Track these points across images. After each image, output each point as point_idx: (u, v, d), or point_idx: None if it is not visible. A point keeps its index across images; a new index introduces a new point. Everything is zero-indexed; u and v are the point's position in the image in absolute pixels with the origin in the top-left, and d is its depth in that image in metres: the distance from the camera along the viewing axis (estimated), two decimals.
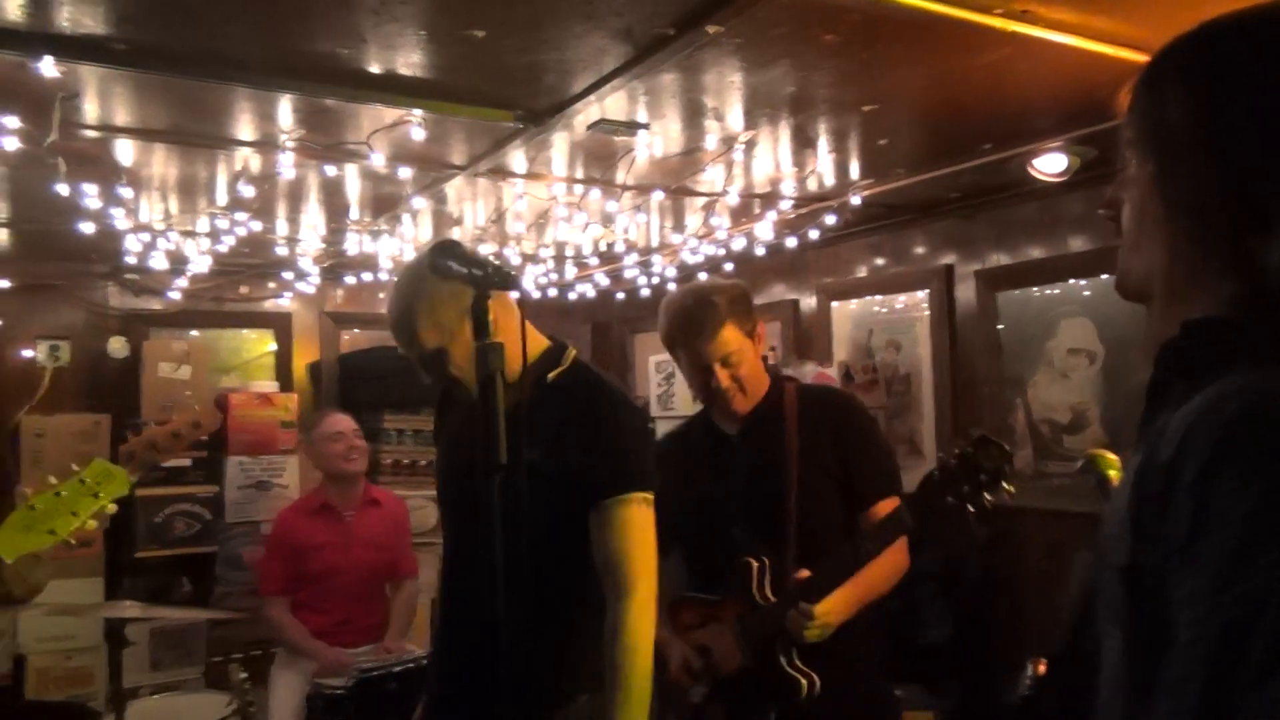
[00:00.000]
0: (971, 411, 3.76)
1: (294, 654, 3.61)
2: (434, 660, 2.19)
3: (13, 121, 2.35)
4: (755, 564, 2.12)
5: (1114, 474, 1.35)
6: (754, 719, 2.11)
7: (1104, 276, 3.27)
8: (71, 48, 2.02)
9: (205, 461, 4.55)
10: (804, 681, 2.03)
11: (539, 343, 1.93)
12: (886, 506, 2.13)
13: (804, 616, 1.96)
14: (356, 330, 5.39)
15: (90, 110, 2.43)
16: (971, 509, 1.80)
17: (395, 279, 1.96)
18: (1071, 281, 3.41)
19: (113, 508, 1.91)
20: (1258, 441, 0.64)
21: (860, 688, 2.15)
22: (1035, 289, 3.56)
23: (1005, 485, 1.80)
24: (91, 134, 2.56)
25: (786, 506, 2.13)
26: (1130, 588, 0.69)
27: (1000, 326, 3.68)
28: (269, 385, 4.89)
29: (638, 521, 1.77)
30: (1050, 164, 2.93)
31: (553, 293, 5.43)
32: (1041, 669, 0.86)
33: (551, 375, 1.87)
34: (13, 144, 2.43)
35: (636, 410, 2.01)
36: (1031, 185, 3.14)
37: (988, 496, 1.81)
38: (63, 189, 2.77)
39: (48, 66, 2.02)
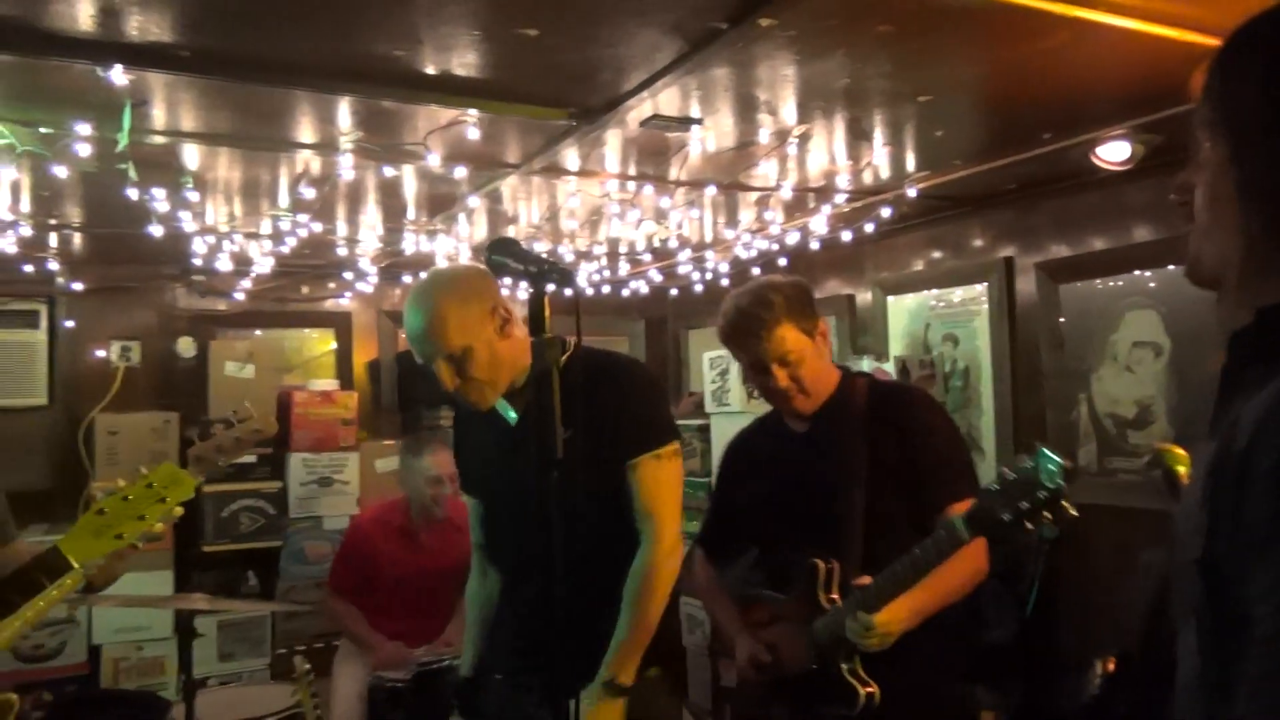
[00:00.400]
0: (1033, 407, 3.69)
1: (354, 646, 3.67)
2: (490, 646, 2.24)
3: (85, 129, 2.43)
4: (822, 566, 2.08)
5: (1182, 470, 1.31)
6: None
7: (1170, 267, 3.18)
8: (140, 56, 2.08)
9: (269, 458, 4.66)
10: (862, 691, 1.98)
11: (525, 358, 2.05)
12: (960, 509, 2.09)
13: (862, 626, 1.92)
14: None
15: (158, 116, 2.50)
16: (1030, 525, 1.74)
17: (416, 288, 2.06)
18: (1136, 273, 3.33)
19: (179, 511, 1.95)
20: None
21: (928, 695, 2.08)
22: (1099, 281, 3.47)
23: (1065, 506, 1.71)
24: (159, 139, 2.64)
25: (852, 507, 2.10)
26: (1207, 581, 0.68)
27: (1062, 320, 3.60)
28: (330, 383, 4.99)
29: (666, 473, 1.94)
30: (1114, 152, 2.86)
31: (606, 289, 5.46)
32: (1110, 667, 0.84)
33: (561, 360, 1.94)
34: (85, 150, 2.51)
35: (643, 368, 2.11)
36: (1094, 174, 3.07)
37: (1046, 515, 1.73)
38: (133, 194, 2.86)
39: (117, 75, 2.09)
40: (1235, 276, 0.80)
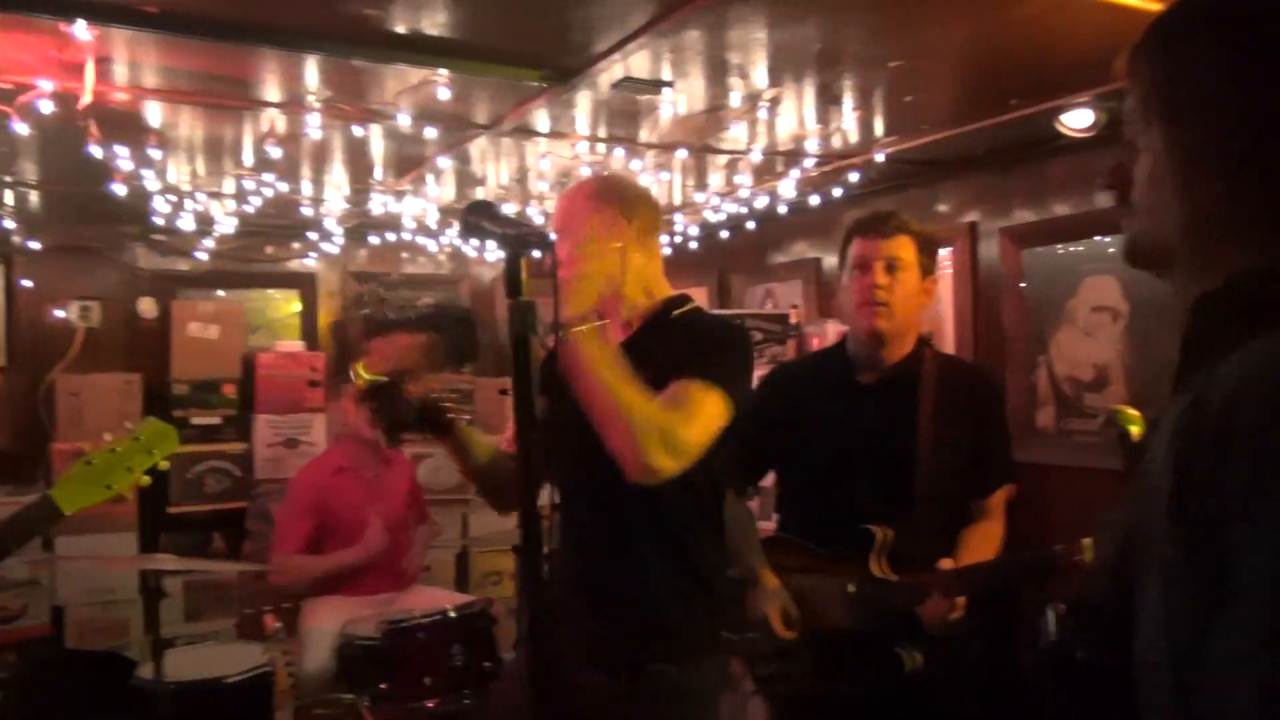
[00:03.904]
0: (995, 370, 3.76)
1: (325, 589, 3.68)
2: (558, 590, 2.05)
3: (48, 85, 2.38)
4: (880, 535, 2.09)
5: (1135, 430, 1.36)
6: (834, 679, 2.12)
7: None
8: (104, 11, 2.04)
9: (235, 420, 4.64)
10: (908, 660, 2.03)
11: (665, 290, 1.94)
12: (1003, 495, 2.16)
13: (944, 611, 1.95)
14: (380, 290, 5.44)
15: (121, 73, 2.45)
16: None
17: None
18: (1097, 239, 3.39)
19: (165, 464, 2.02)
20: None
21: (957, 666, 2.15)
22: (1060, 246, 3.54)
23: None
24: (122, 96, 2.59)
25: (914, 478, 2.10)
26: (1181, 534, 0.69)
27: (1024, 284, 3.67)
28: (295, 345, 4.96)
29: (708, 401, 1.67)
30: (1078, 119, 2.91)
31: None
32: (1061, 610, 0.87)
33: (676, 313, 1.89)
34: (48, 107, 2.46)
35: (739, 330, 2.01)
36: (1058, 141, 3.11)
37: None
38: (96, 151, 2.81)
39: (81, 30, 2.05)
40: (1195, 251, 0.82)
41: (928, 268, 2.20)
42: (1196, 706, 0.67)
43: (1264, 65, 0.77)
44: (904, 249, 2.16)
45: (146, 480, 2.02)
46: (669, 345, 1.77)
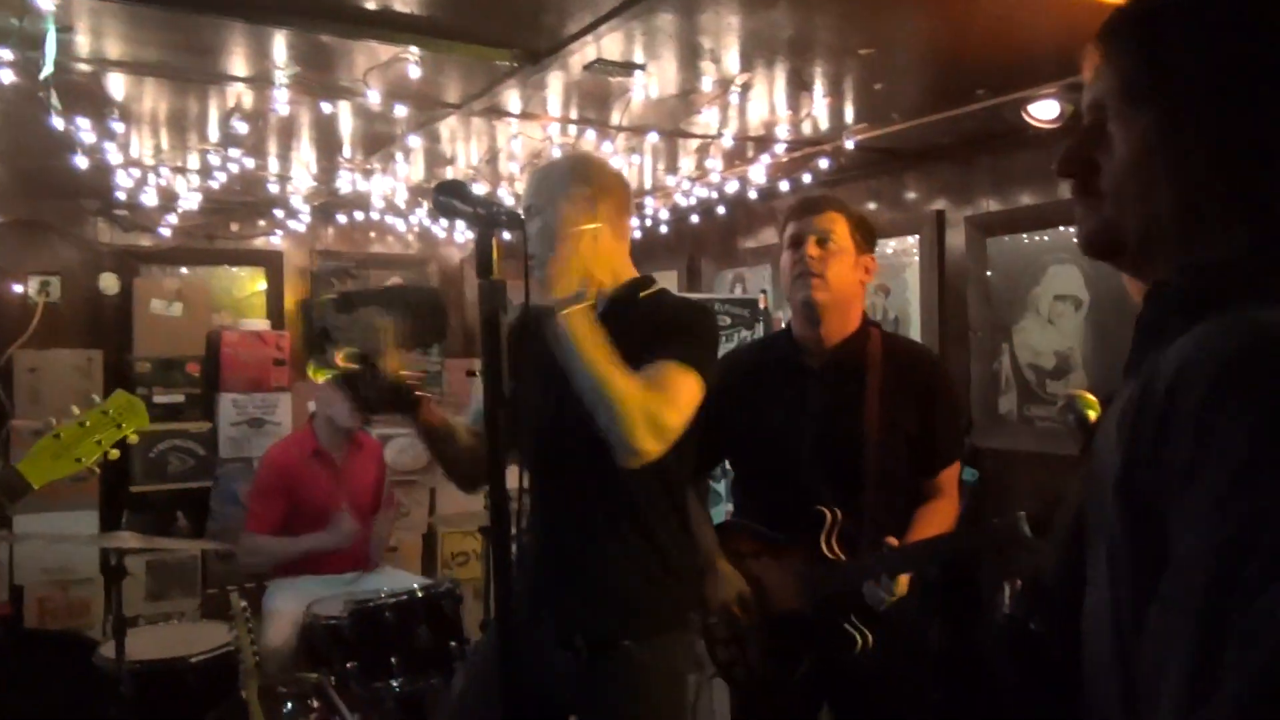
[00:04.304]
0: (960, 357, 3.82)
1: (291, 569, 3.67)
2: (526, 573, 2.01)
3: (6, 54, 2.33)
4: (829, 516, 2.11)
5: (1092, 414, 1.38)
6: (790, 659, 2.15)
7: None
8: None
9: (199, 399, 4.59)
10: (859, 639, 2.07)
11: (630, 271, 1.95)
12: (953, 473, 2.19)
13: (885, 591, 1.99)
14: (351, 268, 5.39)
15: (84, 44, 2.41)
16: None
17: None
18: (1061, 229, 3.44)
19: (135, 437, 2.03)
20: (1260, 371, 0.65)
21: (909, 648, 2.17)
22: (1025, 236, 3.59)
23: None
24: (85, 68, 2.54)
25: (863, 459, 2.13)
26: (1126, 512, 0.71)
27: (989, 273, 3.72)
28: (261, 323, 4.90)
29: (686, 382, 1.70)
30: (1044, 110, 2.94)
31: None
32: (1017, 585, 0.89)
33: (643, 294, 1.90)
34: (7, 77, 2.41)
35: (707, 311, 2.02)
36: (1025, 132, 3.15)
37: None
38: (57, 123, 2.76)
39: None
40: (1154, 240, 0.82)
41: (862, 246, 2.22)
42: (1136, 675, 0.69)
43: (1253, 52, 0.77)
44: (835, 224, 2.19)
45: (115, 453, 2.03)
46: (637, 326, 1.78)
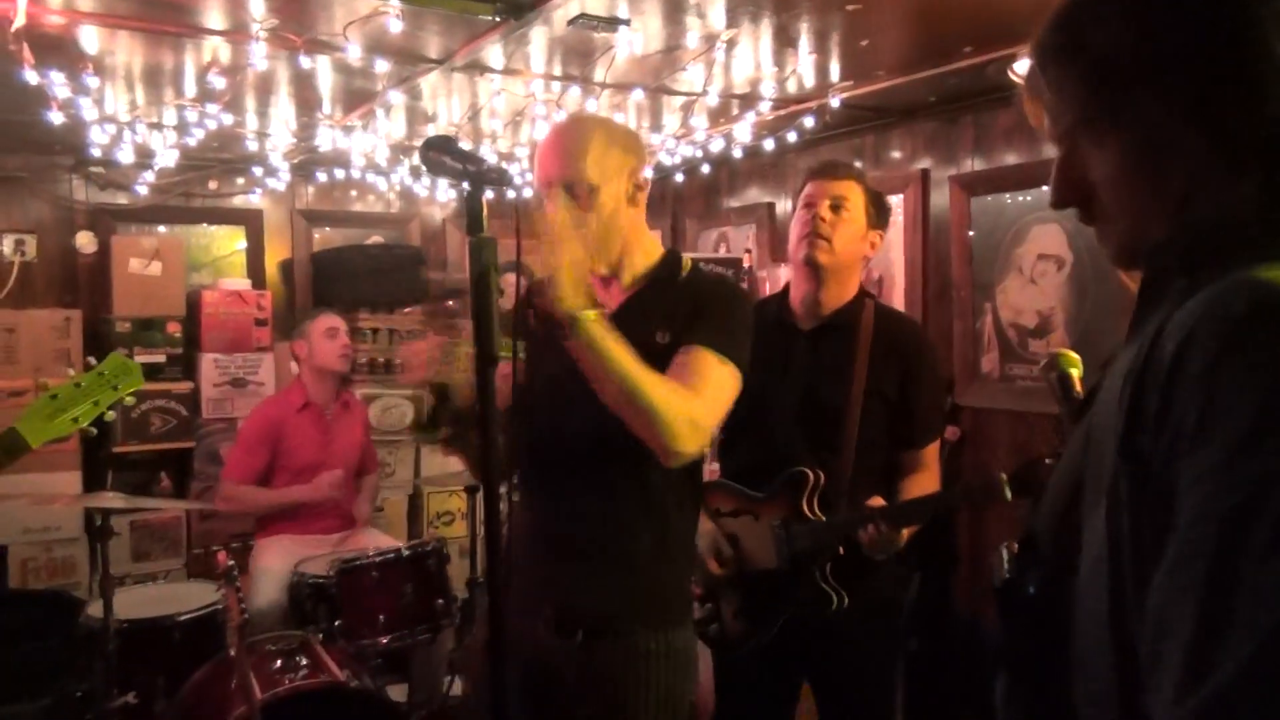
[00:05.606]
0: (943, 316, 3.84)
1: (269, 523, 3.68)
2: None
3: None
4: (811, 476, 2.15)
5: (1075, 372, 1.39)
6: (765, 616, 2.18)
7: None
8: None
9: (180, 358, 4.55)
10: (835, 597, 2.13)
11: (658, 247, 1.87)
12: (934, 449, 2.23)
13: (887, 540, 2.03)
14: (328, 228, 5.34)
15: None
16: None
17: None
18: (1044, 188, 3.43)
19: (131, 399, 2.06)
20: (1270, 333, 0.65)
21: (885, 604, 2.28)
22: (1008, 195, 3.59)
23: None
24: (57, 19, 2.49)
25: (847, 424, 2.16)
26: (1130, 471, 0.71)
27: (972, 232, 3.73)
28: (242, 283, 4.86)
29: (724, 376, 1.66)
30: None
31: (529, 191, 5.39)
32: (1014, 548, 0.91)
33: (682, 275, 1.82)
34: None
35: (742, 293, 2.00)
36: (1011, 91, 3.14)
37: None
38: (30, 77, 2.70)
39: None
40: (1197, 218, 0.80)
41: (874, 220, 2.25)
42: (1135, 634, 0.69)
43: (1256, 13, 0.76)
44: (852, 192, 2.21)
45: (111, 415, 2.05)
46: (679, 307, 1.72)
